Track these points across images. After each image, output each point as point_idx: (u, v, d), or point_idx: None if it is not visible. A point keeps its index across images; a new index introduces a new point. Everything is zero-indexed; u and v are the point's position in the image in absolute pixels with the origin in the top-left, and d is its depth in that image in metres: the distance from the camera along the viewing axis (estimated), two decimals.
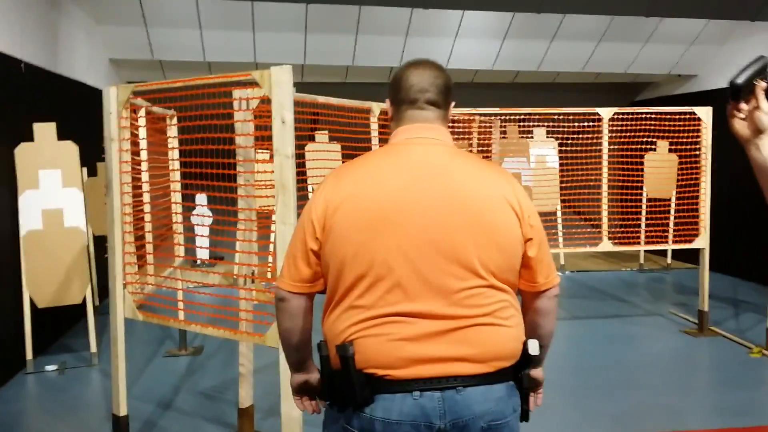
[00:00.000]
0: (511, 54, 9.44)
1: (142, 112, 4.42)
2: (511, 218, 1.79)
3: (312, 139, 7.17)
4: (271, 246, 4.03)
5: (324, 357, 1.82)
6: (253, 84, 3.25)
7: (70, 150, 5.48)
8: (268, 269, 4.53)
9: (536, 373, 1.99)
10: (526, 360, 1.84)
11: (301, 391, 2.01)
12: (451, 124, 6.36)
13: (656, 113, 6.64)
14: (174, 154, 4.72)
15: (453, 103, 1.98)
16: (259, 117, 3.45)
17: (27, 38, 5.83)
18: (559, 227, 8.20)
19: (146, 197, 4.44)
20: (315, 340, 1.88)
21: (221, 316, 3.59)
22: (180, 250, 5.15)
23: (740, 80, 1.73)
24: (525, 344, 1.84)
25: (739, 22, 8.95)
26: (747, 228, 8.59)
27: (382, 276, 1.72)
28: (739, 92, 1.74)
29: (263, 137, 3.35)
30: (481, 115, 7.02)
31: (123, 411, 3.90)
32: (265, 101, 3.19)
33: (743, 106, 1.74)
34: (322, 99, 4.35)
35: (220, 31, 8.24)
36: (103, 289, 6.89)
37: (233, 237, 3.68)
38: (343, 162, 6.05)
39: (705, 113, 6.35)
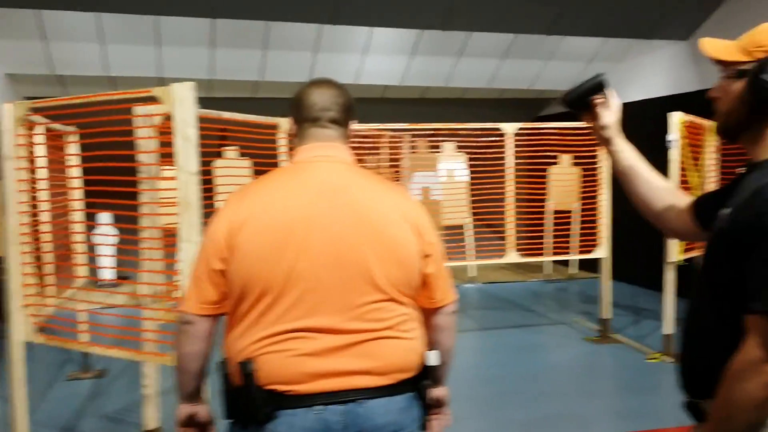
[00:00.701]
0: (420, 70, 9.60)
1: (39, 130, 4.27)
2: (409, 234, 1.84)
3: (220, 155, 7.08)
4: (177, 265, 3.96)
5: (225, 375, 1.81)
6: (155, 100, 3.20)
7: None
8: (174, 288, 4.44)
9: (439, 392, 2.04)
10: (426, 371, 1.88)
11: (187, 424, 1.99)
12: (360, 140, 6.45)
13: (558, 128, 6.89)
14: (74, 172, 4.58)
15: (355, 121, 2.02)
16: (162, 133, 3.40)
17: None
18: (469, 240, 8.36)
19: (46, 217, 4.29)
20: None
21: (125, 336, 3.50)
22: (82, 270, 4.99)
23: (569, 97, 1.90)
24: (425, 356, 1.88)
25: (636, 41, 9.39)
26: (645, 237, 8.94)
27: (284, 292, 1.74)
28: (572, 107, 1.91)
29: (168, 154, 3.30)
30: (390, 130, 7.11)
31: None
32: (168, 118, 3.15)
33: (586, 119, 1.95)
34: (227, 115, 4.33)
35: (124, 46, 8.05)
36: (1, 312, 6.58)
37: (138, 256, 3.60)
38: (253, 178, 6.00)
39: None
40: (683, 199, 1.91)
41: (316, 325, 1.74)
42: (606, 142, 1.98)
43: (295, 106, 1.96)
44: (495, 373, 5.71)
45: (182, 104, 2.99)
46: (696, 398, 1.64)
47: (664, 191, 1.93)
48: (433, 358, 1.89)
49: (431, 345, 1.96)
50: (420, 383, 1.88)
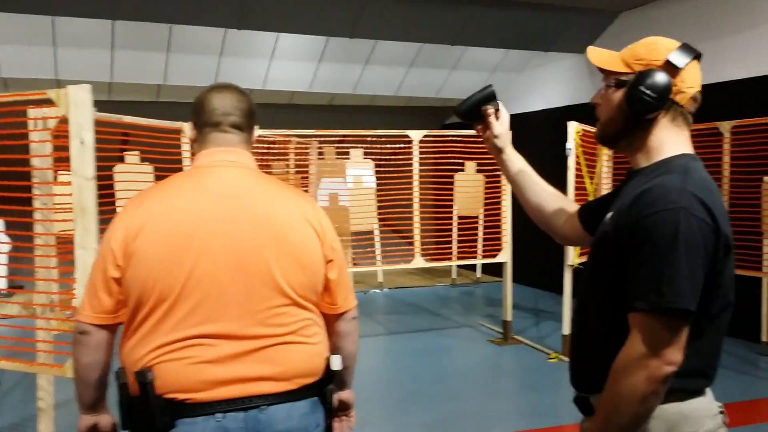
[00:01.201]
0: (327, 77, 9.62)
1: None
2: (313, 239, 1.84)
3: (122, 160, 6.89)
4: (73, 273, 3.83)
5: (122, 384, 1.76)
6: (51, 102, 3.09)
7: None
8: (70, 297, 4.29)
9: (345, 395, 2.06)
10: (329, 375, 1.89)
11: None
12: (267, 146, 6.40)
13: (462, 136, 7.04)
14: None
15: (257, 127, 2.01)
16: (57, 137, 3.28)
17: None
18: (377, 245, 8.43)
19: None
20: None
21: (19, 348, 3.36)
22: None
23: (461, 108, 1.97)
24: (328, 360, 1.89)
25: (535, 53, 9.71)
26: (545, 242, 9.21)
27: (182, 298, 1.71)
28: (464, 118, 1.98)
29: (63, 158, 3.19)
30: (298, 136, 7.10)
31: None
32: (63, 121, 3.05)
33: (478, 129, 2.03)
34: (127, 119, 4.22)
35: (18, 46, 7.72)
36: None
37: (32, 264, 3.47)
38: (154, 184, 5.85)
39: None
40: (571, 206, 2.00)
41: (216, 331, 1.71)
42: (497, 150, 2.04)
43: (196, 111, 1.92)
44: (400, 377, 5.77)
45: (78, 107, 2.91)
46: (585, 393, 1.71)
47: (552, 197, 2.01)
48: (336, 363, 1.89)
49: (334, 350, 1.95)
50: (324, 388, 1.89)
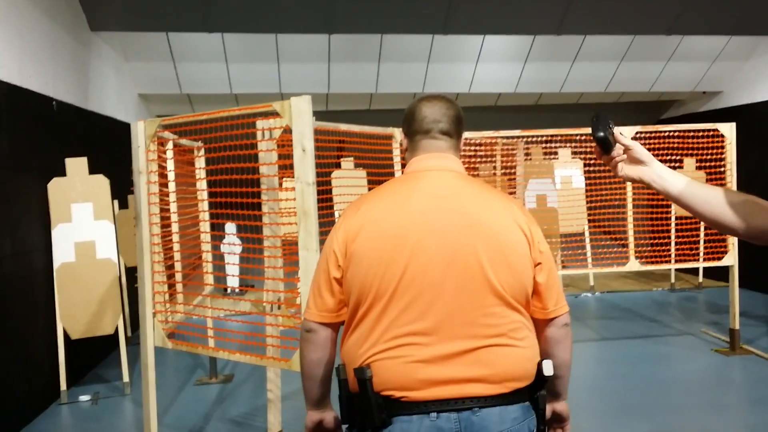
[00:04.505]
0: (533, 76, 9.48)
1: (169, 145, 4.52)
2: (522, 241, 1.83)
3: (338, 166, 7.26)
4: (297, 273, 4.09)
5: (342, 380, 1.85)
6: (275, 114, 3.33)
7: (101, 183, 5.63)
8: (295, 295, 4.59)
9: (560, 407, 2.02)
10: (541, 380, 1.86)
11: (315, 431, 2.03)
12: (474, 148, 6.43)
13: (679, 131, 6.62)
14: (202, 185, 4.81)
15: (464, 134, 2.03)
16: (282, 146, 3.53)
17: (59, 77, 6.02)
18: (588, 248, 8.16)
19: (175, 228, 4.53)
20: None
21: (249, 342, 3.64)
22: (209, 279, 5.23)
23: (602, 133, 1.75)
24: (540, 365, 1.86)
25: (763, 38, 8.90)
26: None
27: (397, 295, 1.76)
28: (608, 143, 1.76)
29: (287, 166, 3.42)
30: (504, 137, 7.06)
31: None
32: (287, 131, 3.27)
33: (615, 152, 1.77)
34: (343, 127, 4.43)
35: (246, 64, 8.41)
36: (134, 320, 7.00)
37: (261, 264, 3.75)
38: (369, 188, 6.12)
39: (728, 129, 6.33)
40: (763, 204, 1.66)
41: (429, 330, 1.75)
42: (639, 165, 1.79)
43: (407, 121, 2.01)
44: (616, 385, 5.53)
45: (300, 117, 3.10)
46: None
47: (731, 205, 1.67)
48: (547, 368, 1.85)
49: (545, 358, 1.91)
50: (535, 393, 1.86)
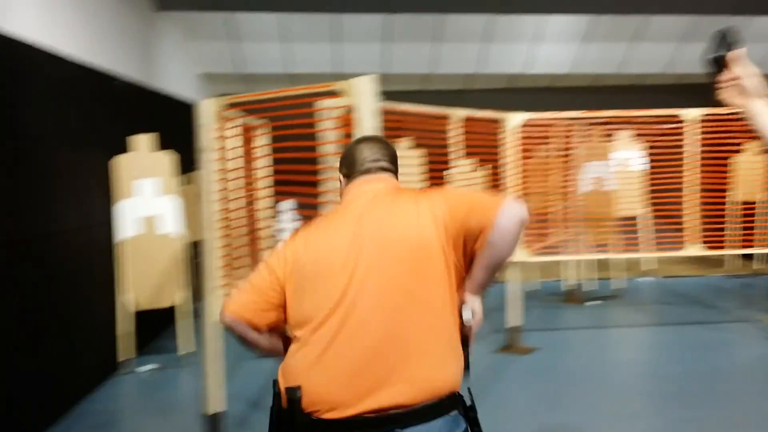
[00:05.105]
0: (592, 57, 9.35)
1: (233, 123, 4.62)
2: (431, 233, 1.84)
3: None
4: None
5: (275, 394, 1.91)
6: (337, 94, 3.38)
7: (166, 160, 5.79)
8: None
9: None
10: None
11: None
12: (530, 128, 6.38)
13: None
14: (263, 163, 4.91)
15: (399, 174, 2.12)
16: (343, 126, 3.58)
17: (124, 55, 6.19)
18: (645, 231, 8.06)
19: (238, 204, 4.64)
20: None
21: None
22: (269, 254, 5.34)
23: (714, 55, 1.73)
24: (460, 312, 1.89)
25: None
26: None
27: (327, 316, 1.80)
28: (718, 65, 1.74)
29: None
30: (562, 119, 6.99)
31: (216, 409, 4.09)
32: (349, 110, 3.32)
33: (725, 76, 1.74)
34: (404, 107, 4.47)
35: (303, 44, 8.49)
36: (197, 292, 7.19)
37: None
38: (425, 168, 6.16)
39: None
40: None
41: (358, 347, 1.78)
42: (745, 96, 1.78)
43: (347, 162, 2.08)
44: (673, 370, 5.48)
45: (364, 97, 3.15)
46: None
47: None
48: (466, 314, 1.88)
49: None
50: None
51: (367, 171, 2.04)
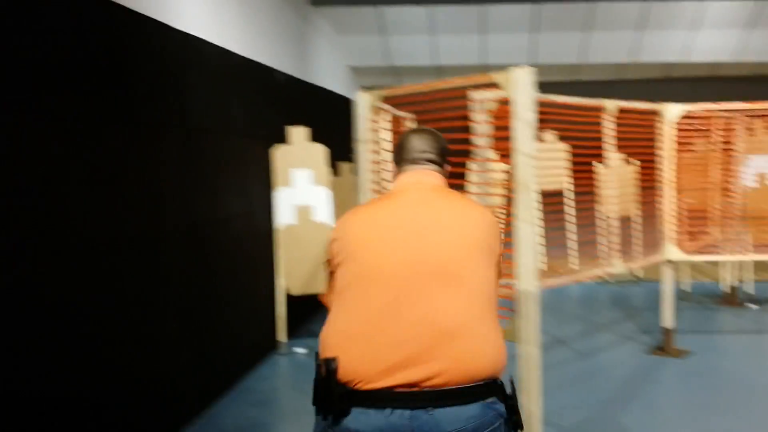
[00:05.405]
0: (754, 44, 8.76)
1: (385, 116, 4.72)
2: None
3: (539, 138, 7.19)
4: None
5: (317, 365, 1.94)
6: (489, 86, 3.36)
7: (320, 151, 5.99)
8: (510, 265, 4.63)
9: None
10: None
11: None
12: (689, 121, 6.09)
13: None
14: None
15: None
16: (496, 118, 3.56)
17: (283, 50, 6.45)
18: None
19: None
20: None
21: None
22: None
23: None
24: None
25: None
26: None
27: (364, 288, 1.87)
28: None
29: (500, 138, 3.45)
30: (723, 110, 6.61)
31: None
32: (505, 102, 3.30)
33: None
34: (561, 99, 4.38)
35: (451, 36, 8.50)
36: None
37: None
38: (570, 161, 6.01)
39: None
40: None
41: (396, 323, 1.80)
42: None
43: (397, 150, 2.22)
44: None
45: (521, 89, 3.11)
46: None
47: None
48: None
49: None
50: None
51: (414, 161, 2.16)
